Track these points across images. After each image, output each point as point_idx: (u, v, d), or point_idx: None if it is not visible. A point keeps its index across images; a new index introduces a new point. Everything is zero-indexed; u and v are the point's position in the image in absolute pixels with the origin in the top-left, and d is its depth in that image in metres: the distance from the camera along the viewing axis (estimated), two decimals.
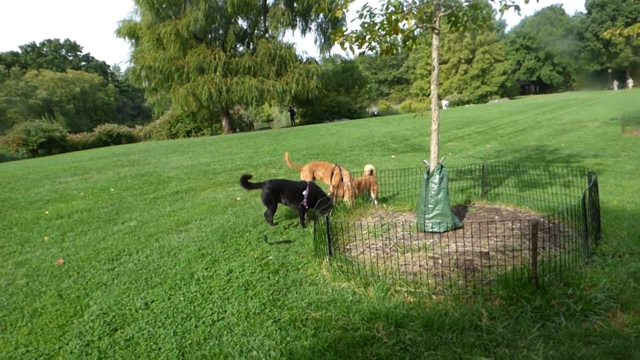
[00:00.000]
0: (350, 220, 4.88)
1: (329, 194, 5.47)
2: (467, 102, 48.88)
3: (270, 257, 4.18)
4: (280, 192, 5.13)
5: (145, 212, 6.71)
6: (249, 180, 5.20)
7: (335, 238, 4.25)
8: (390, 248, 3.95)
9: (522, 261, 3.36)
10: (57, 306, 3.52)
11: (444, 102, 43.99)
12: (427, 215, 4.19)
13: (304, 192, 5.04)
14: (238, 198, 7.33)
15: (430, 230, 4.18)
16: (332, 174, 6.08)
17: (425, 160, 4.38)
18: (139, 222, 6.09)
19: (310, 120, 38.53)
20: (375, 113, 46.74)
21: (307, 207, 5.05)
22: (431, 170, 4.23)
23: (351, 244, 4.16)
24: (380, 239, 4.22)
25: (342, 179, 5.62)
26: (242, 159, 12.84)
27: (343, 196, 5.47)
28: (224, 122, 33.63)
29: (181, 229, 5.57)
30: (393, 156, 11.96)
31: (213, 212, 6.39)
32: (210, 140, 21.62)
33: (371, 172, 5.77)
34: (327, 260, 3.72)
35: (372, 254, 3.85)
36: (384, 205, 5.56)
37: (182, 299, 3.48)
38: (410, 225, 4.45)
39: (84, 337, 3.05)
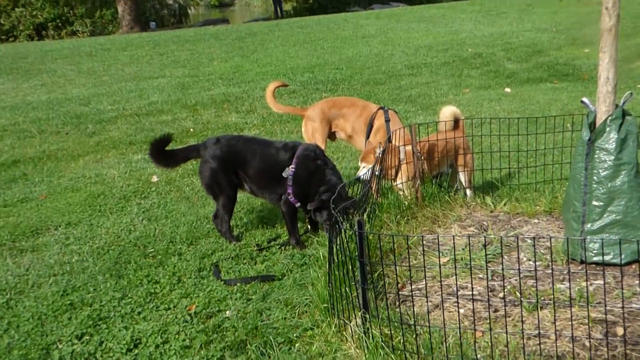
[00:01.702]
0: (411, 232, 4.94)
1: (362, 172, 5.54)
2: None
3: (227, 314, 4.25)
4: (238, 165, 5.34)
5: None
6: (166, 149, 5.38)
7: (377, 272, 4.23)
8: (504, 297, 3.93)
9: None
10: None
11: None
12: (589, 225, 4.19)
13: (287, 171, 5.17)
14: (155, 178, 7.38)
15: (597, 259, 4.19)
16: (371, 125, 6.12)
17: (585, 100, 4.34)
18: None
19: (318, 5, 38.23)
20: None
21: (295, 202, 5.22)
22: (599, 123, 4.21)
23: (414, 286, 4.19)
24: (480, 275, 4.24)
25: (390, 139, 5.66)
26: (164, 89, 12.85)
27: (395, 177, 5.61)
28: (121, 8, 33.27)
29: (23, 245, 5.62)
30: (508, 89, 11.91)
31: (96, 208, 6.48)
32: (91, 46, 21.68)
33: (456, 122, 5.90)
34: (358, 322, 3.69)
35: (462, 310, 3.85)
36: (487, 199, 5.59)
37: None
38: (550, 248, 4.41)
39: None
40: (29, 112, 11.14)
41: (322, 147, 6.41)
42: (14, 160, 8.33)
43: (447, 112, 5.91)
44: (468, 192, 5.85)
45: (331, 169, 5.23)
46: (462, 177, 5.87)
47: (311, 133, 6.40)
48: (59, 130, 9.93)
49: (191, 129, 9.81)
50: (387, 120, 6.09)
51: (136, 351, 3.85)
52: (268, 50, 17.62)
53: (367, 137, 6.20)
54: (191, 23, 37.48)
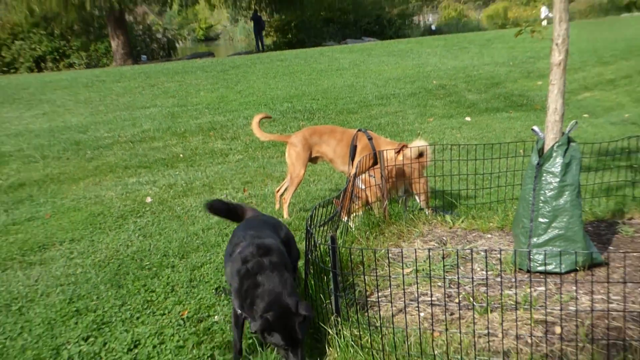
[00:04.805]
0: (378, 246, 5.04)
1: (365, 182, 5.68)
2: (628, 7, 48.31)
3: (215, 318, 4.44)
4: None
5: None
6: (224, 201, 4.69)
7: (348, 281, 4.38)
8: (459, 302, 4.09)
9: None
10: None
11: (544, 11, 43.34)
12: (535, 239, 4.35)
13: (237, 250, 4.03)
14: (149, 199, 7.53)
15: (541, 268, 4.32)
16: (354, 147, 6.36)
17: (535, 128, 4.45)
18: None
19: (296, 40, 38.04)
20: (433, 28, 46.37)
21: (240, 312, 3.89)
22: (547, 149, 4.34)
23: (381, 294, 4.31)
24: (439, 283, 4.37)
25: (375, 157, 5.93)
26: (155, 118, 12.98)
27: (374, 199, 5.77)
28: (114, 42, 33.29)
29: (32, 259, 5.81)
30: (468, 118, 12.10)
31: (97, 226, 6.69)
32: (87, 78, 21.44)
33: (420, 155, 6.10)
34: (332, 324, 3.85)
35: (423, 314, 4.01)
36: (447, 217, 5.75)
37: None
38: (500, 259, 4.54)
39: None
40: (32, 139, 11.21)
41: (302, 171, 6.57)
42: (20, 183, 8.44)
43: (417, 144, 6.08)
44: (427, 211, 5.98)
45: (276, 270, 3.68)
46: (419, 199, 6.08)
47: (294, 157, 6.63)
48: (60, 155, 10.04)
49: (181, 155, 9.92)
50: (370, 138, 6.33)
51: (136, 351, 4.04)
52: (250, 82, 17.39)
53: (352, 157, 6.40)
54: (179, 56, 37.37)
